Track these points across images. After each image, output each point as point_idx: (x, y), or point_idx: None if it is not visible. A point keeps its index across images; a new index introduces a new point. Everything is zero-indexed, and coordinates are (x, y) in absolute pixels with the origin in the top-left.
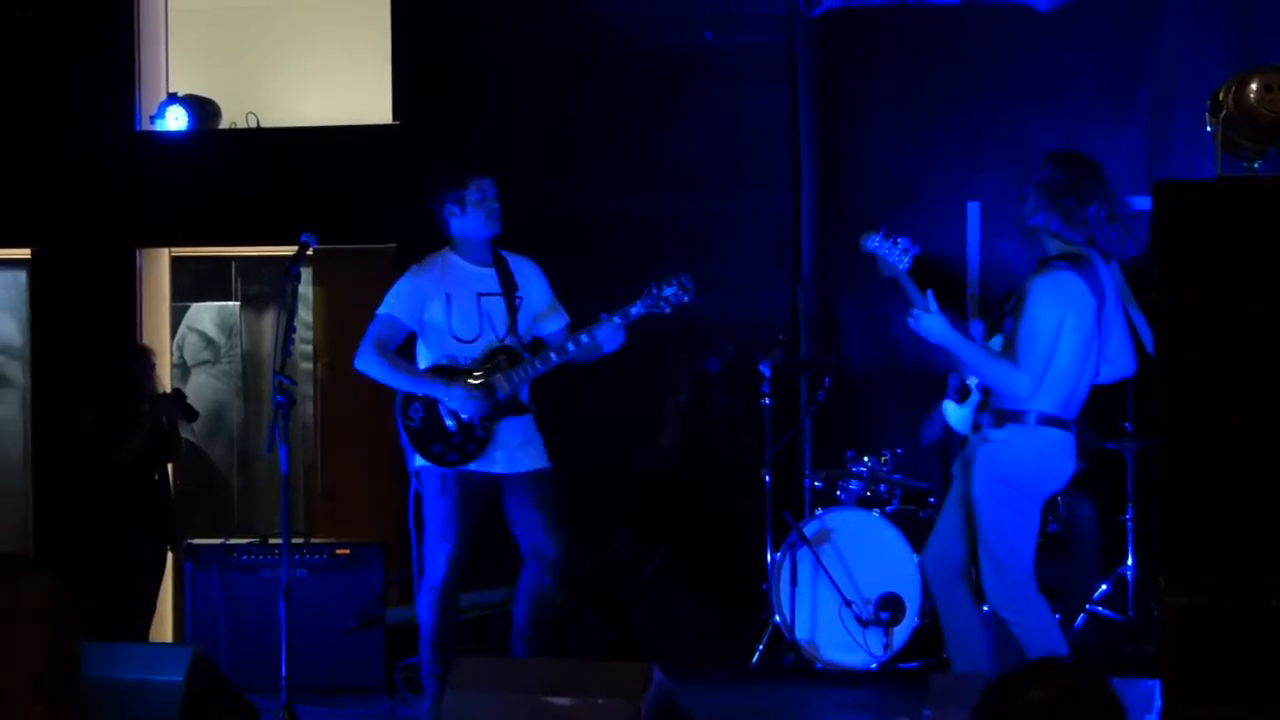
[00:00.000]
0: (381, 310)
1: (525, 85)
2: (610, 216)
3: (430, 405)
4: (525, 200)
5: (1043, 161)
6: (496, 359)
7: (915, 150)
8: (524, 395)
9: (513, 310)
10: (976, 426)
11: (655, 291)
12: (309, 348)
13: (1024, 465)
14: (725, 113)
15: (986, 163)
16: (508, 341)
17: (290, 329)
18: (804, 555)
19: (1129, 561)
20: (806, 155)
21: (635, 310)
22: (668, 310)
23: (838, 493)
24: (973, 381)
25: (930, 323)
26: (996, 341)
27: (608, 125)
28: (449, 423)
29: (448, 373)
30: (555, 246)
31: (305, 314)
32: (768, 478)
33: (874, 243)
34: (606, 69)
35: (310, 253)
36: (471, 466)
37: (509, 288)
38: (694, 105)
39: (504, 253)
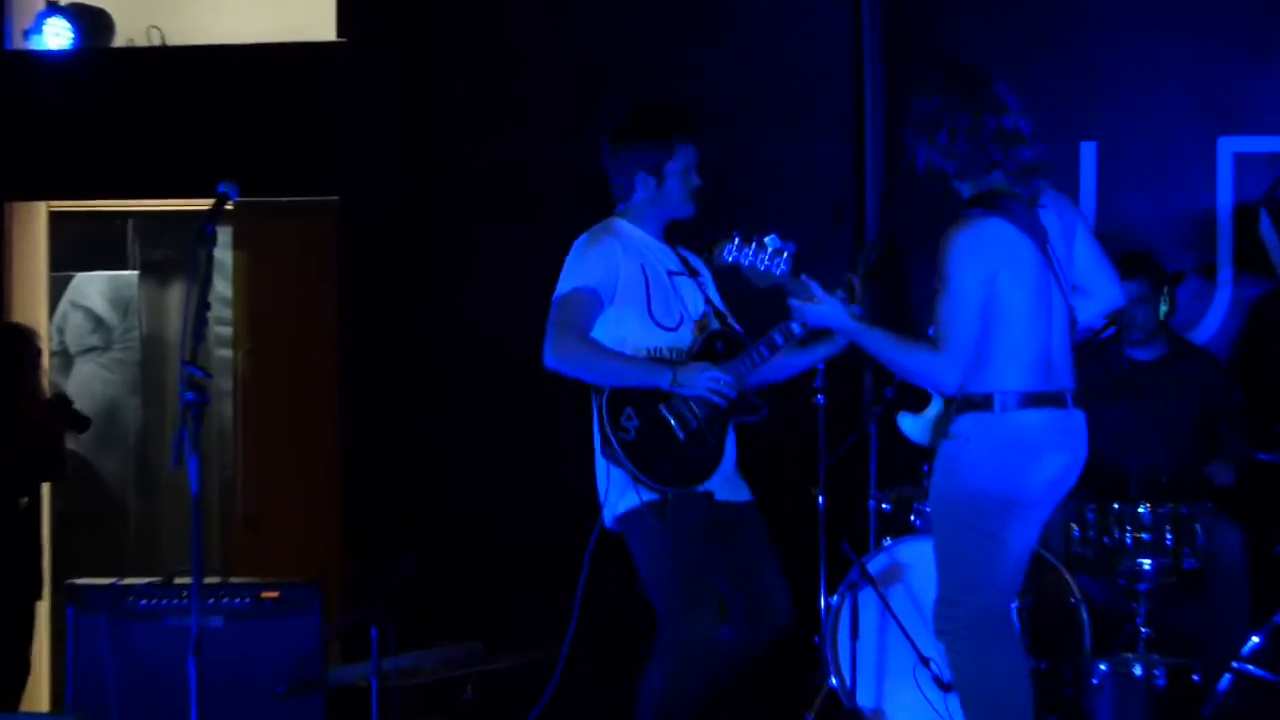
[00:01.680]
0: (572, 285)
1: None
2: None
3: (649, 408)
4: (511, 142)
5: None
6: (713, 346)
7: (1013, 81)
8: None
9: (703, 293)
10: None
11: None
12: (227, 330)
13: (989, 465)
14: (766, 30)
15: (1103, 98)
16: (714, 325)
17: (203, 306)
18: (868, 598)
19: None
20: (872, 87)
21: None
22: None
23: (912, 518)
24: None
25: (821, 312)
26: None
27: (615, 43)
28: (676, 428)
29: (663, 361)
30: (549, 200)
31: (223, 287)
32: (821, 499)
33: (730, 254)
34: None
35: (230, 207)
36: (709, 484)
37: (692, 270)
38: (724, 20)
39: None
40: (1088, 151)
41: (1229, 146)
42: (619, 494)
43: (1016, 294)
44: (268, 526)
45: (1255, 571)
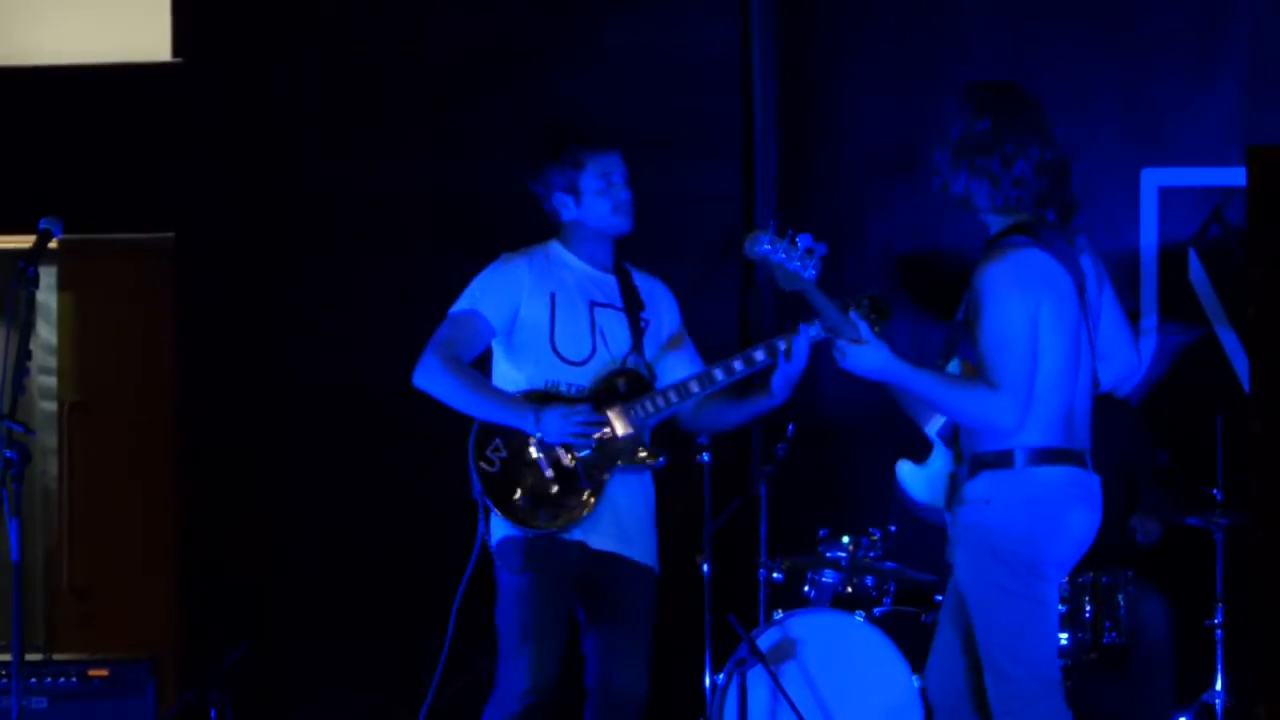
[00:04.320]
0: (457, 307)
1: (367, 9)
2: (483, 193)
3: (519, 443)
4: (369, 172)
5: (957, 109)
6: (614, 385)
7: (916, 102)
8: (647, 439)
9: (637, 330)
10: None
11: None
12: (51, 381)
13: (1016, 526)
14: (651, 52)
15: None
16: (629, 363)
17: (24, 354)
18: (758, 677)
19: (1217, 685)
20: (764, 113)
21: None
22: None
23: (806, 588)
24: (933, 429)
25: (866, 356)
26: (954, 367)
27: (481, 65)
28: (544, 467)
29: (543, 399)
30: (408, 233)
31: (46, 332)
32: (705, 567)
33: (763, 246)
34: None
35: (53, 245)
36: (575, 533)
37: (633, 304)
38: (604, 40)
39: (629, 266)
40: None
41: (1154, 179)
42: (486, 520)
43: (1054, 337)
44: (97, 597)
45: (1182, 646)
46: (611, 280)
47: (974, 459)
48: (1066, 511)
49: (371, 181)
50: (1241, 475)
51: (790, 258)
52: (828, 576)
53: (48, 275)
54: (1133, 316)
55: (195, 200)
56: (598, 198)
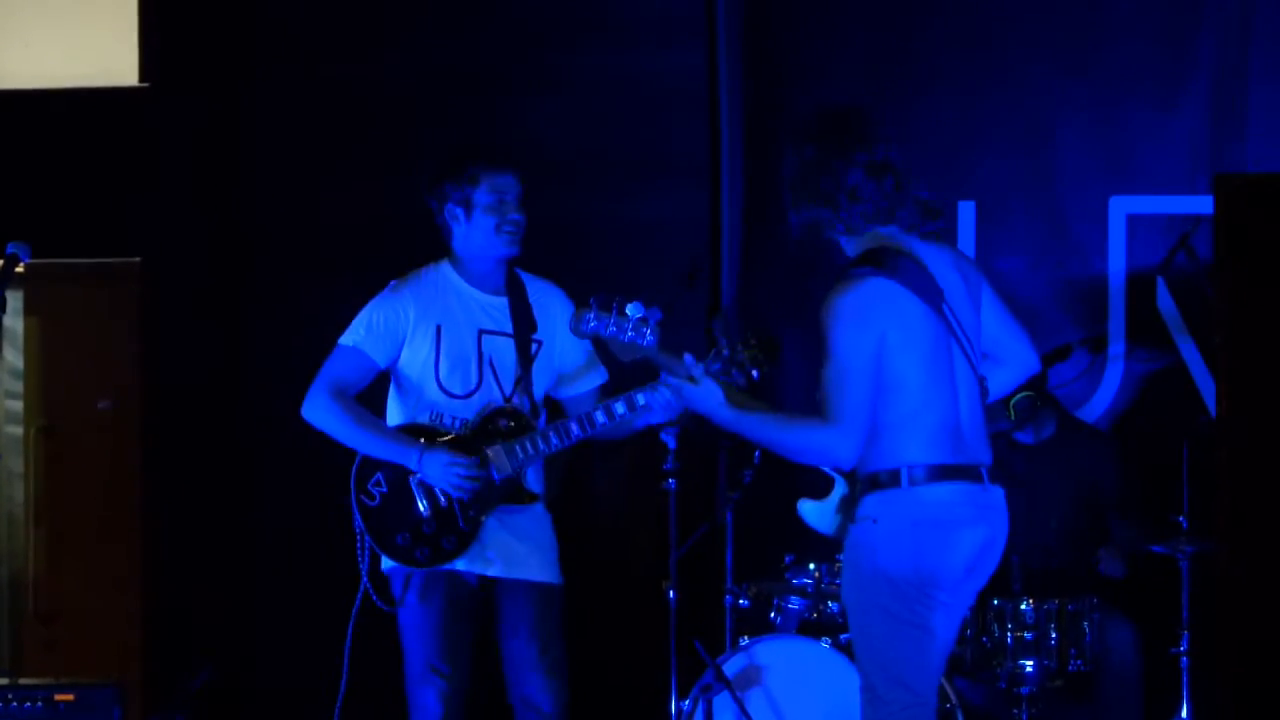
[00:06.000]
0: (344, 340)
1: (334, 35)
2: None
3: (398, 478)
4: (335, 196)
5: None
6: (495, 423)
7: (883, 130)
8: (530, 480)
9: (526, 357)
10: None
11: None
12: (18, 405)
13: (902, 547)
14: (615, 78)
15: (985, 150)
16: (514, 402)
17: None
18: (723, 703)
19: (1183, 712)
20: (730, 139)
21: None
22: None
23: (772, 615)
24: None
25: (700, 396)
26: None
27: (448, 91)
28: (421, 505)
29: (426, 433)
30: (374, 258)
31: (13, 357)
32: (672, 594)
33: (590, 324)
34: (446, 16)
35: (20, 270)
36: (457, 564)
37: (524, 326)
38: (569, 68)
39: (523, 275)
40: (965, 211)
41: (1122, 207)
42: (365, 552)
43: (908, 358)
44: (63, 621)
45: (1149, 673)
46: (502, 303)
47: (864, 478)
48: (955, 532)
49: (337, 206)
50: (1208, 502)
51: (622, 330)
52: (794, 603)
53: (14, 299)
54: (1100, 343)
55: (162, 225)
56: (487, 214)
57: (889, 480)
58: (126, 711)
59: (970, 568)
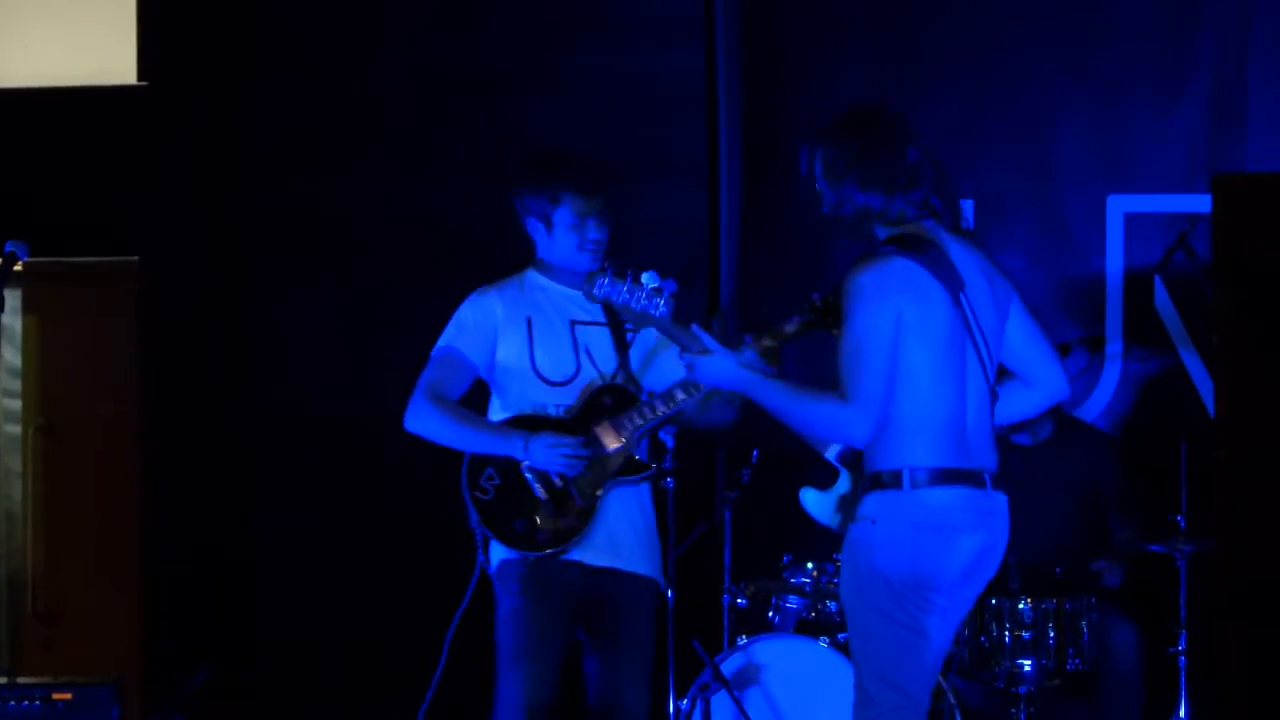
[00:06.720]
0: (437, 348)
1: (334, 36)
2: (451, 217)
3: (510, 469)
4: (336, 195)
5: (815, 142)
6: (600, 401)
7: None
8: (642, 452)
9: (622, 344)
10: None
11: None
12: (16, 404)
13: (900, 549)
14: (615, 78)
15: (984, 149)
16: (617, 380)
17: None
18: (722, 702)
19: (1181, 712)
20: (728, 138)
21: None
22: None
23: (770, 614)
24: (832, 453)
25: (714, 366)
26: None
27: (448, 90)
28: (537, 490)
29: (531, 423)
30: (374, 256)
31: (12, 356)
32: (670, 593)
33: (603, 288)
34: (446, 16)
35: (19, 268)
36: (570, 554)
37: (616, 316)
38: (569, 68)
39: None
40: (964, 210)
41: (1120, 206)
42: (483, 550)
43: (921, 344)
44: (62, 620)
45: (1147, 673)
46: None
47: (869, 477)
48: (954, 536)
49: (336, 206)
50: (1206, 502)
51: (635, 298)
52: (792, 602)
53: (13, 298)
54: (1098, 342)
55: (161, 224)
56: (570, 232)
57: (891, 481)
58: (125, 710)
59: (968, 572)
